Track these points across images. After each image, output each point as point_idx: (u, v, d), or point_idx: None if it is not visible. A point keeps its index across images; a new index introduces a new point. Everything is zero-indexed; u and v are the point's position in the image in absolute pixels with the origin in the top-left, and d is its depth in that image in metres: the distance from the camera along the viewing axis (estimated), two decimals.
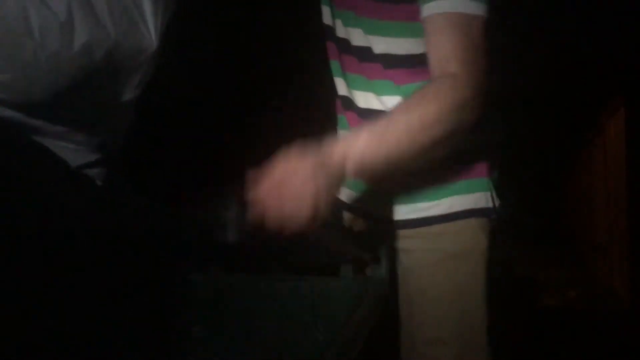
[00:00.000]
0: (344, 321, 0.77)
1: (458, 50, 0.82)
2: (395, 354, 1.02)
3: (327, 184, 0.71)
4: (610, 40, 3.65)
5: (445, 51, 0.83)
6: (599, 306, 4.54)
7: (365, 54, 0.98)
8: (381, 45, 0.96)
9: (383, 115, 0.84)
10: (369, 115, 0.99)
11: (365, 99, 1.01)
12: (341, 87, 1.07)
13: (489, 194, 1.00)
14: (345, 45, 1.02)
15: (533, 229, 9.22)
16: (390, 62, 0.96)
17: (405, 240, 1.00)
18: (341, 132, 1.09)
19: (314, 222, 0.69)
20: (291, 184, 0.69)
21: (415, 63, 0.93)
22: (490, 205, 1.01)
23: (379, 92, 0.99)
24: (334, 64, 1.07)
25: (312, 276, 0.94)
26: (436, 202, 0.98)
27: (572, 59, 4.12)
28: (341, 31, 1.02)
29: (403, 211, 1.00)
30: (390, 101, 0.96)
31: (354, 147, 0.76)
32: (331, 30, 1.05)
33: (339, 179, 0.75)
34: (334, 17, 1.04)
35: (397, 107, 0.84)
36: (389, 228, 1.02)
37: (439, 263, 0.99)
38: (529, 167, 9.28)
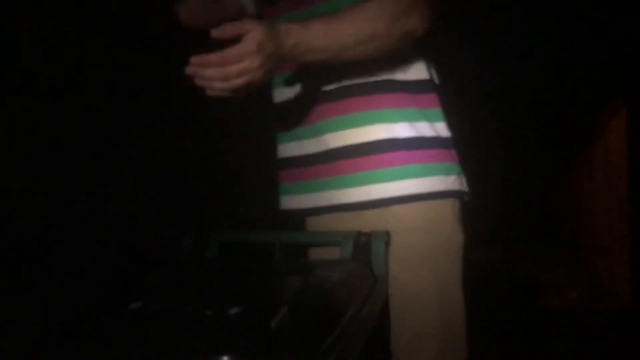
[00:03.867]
0: (347, 320, 0.77)
1: None
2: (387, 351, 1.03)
3: (271, 58, 0.80)
4: (611, 40, 3.65)
5: None
6: (600, 307, 4.53)
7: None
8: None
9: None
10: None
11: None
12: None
13: (461, 178, 1.06)
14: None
15: (534, 229, 9.23)
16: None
17: None
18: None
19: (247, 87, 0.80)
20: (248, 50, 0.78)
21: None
22: (464, 189, 1.07)
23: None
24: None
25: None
26: (419, 179, 1.01)
27: (573, 59, 4.12)
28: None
29: (384, 189, 1.01)
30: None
31: (301, 28, 0.85)
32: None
33: (282, 54, 0.83)
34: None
35: (344, 9, 0.90)
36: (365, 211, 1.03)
37: (418, 258, 1.01)
38: (529, 167, 9.30)
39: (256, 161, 1.12)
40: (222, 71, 0.78)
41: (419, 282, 1.00)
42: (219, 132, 2.67)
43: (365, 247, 0.95)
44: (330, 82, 1.04)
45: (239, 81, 0.79)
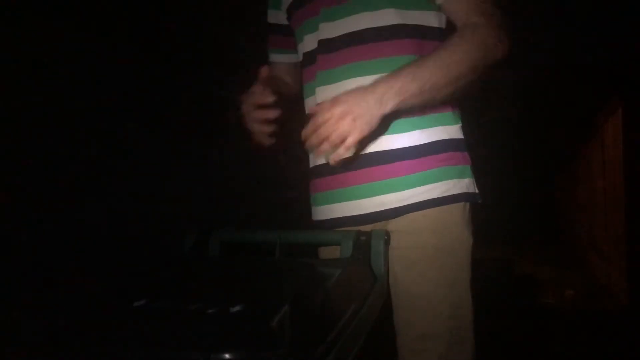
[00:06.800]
0: (347, 318, 0.78)
1: (476, 6, 0.97)
2: (390, 351, 1.04)
3: (369, 114, 0.87)
4: (608, 41, 3.66)
5: (466, 9, 0.98)
6: (596, 305, 4.55)
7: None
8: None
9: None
10: None
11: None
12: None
13: (473, 180, 1.06)
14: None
15: (531, 228, 9.24)
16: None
17: (393, 236, 0.99)
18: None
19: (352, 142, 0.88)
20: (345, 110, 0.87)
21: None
22: (476, 191, 1.06)
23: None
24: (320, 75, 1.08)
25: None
26: (433, 185, 1.00)
27: (570, 59, 4.13)
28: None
29: (399, 198, 1.00)
30: None
31: (394, 83, 0.89)
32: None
33: (380, 110, 0.89)
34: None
35: (431, 53, 0.94)
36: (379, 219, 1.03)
37: (428, 259, 1.00)
38: (527, 168, 9.31)
39: (257, 161, 1.12)
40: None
41: (428, 283, 1.00)
42: (221, 133, 2.68)
43: (365, 246, 0.96)
44: (337, 90, 1.02)
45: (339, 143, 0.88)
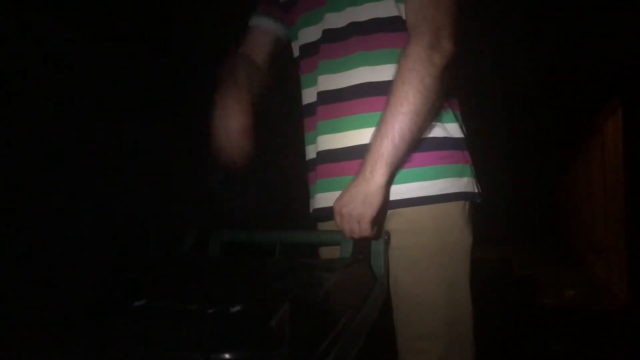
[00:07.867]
0: (346, 318, 0.78)
1: (417, 11, 0.97)
2: (390, 351, 1.04)
3: (371, 201, 0.91)
4: (607, 42, 3.66)
5: (413, 11, 0.97)
6: (596, 305, 4.55)
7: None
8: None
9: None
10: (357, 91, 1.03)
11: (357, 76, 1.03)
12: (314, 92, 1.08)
13: (473, 179, 1.05)
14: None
15: (532, 229, 9.25)
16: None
17: (392, 236, 0.99)
18: (320, 138, 1.08)
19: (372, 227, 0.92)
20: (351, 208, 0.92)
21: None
22: (476, 190, 1.06)
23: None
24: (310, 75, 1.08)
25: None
26: (430, 182, 1.00)
27: (570, 59, 4.14)
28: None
29: (393, 191, 0.99)
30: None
31: (377, 164, 0.91)
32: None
33: (381, 189, 0.92)
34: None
35: (390, 100, 0.93)
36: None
37: (428, 259, 1.00)
38: (527, 168, 9.32)
39: (258, 161, 1.11)
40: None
41: (427, 283, 1.00)
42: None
43: (365, 246, 0.96)
44: (342, 82, 1.04)
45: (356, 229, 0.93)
